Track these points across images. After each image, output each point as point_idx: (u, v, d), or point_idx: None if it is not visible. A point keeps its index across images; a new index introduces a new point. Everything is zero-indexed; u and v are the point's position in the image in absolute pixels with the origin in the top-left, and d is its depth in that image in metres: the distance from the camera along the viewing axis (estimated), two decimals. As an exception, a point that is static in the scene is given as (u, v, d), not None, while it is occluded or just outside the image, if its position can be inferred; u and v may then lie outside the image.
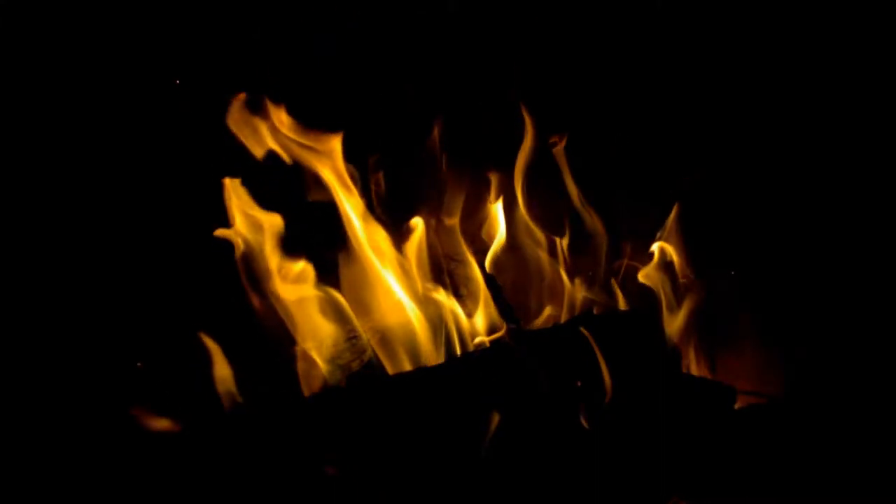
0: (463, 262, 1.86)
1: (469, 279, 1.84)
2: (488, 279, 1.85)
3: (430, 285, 1.78)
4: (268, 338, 1.74)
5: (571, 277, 1.93)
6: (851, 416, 1.67)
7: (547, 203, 1.99)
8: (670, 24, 1.99)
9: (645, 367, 1.65)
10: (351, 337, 1.72)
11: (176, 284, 1.80)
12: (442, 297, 1.76)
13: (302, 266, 1.69)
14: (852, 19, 1.90)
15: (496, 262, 1.93)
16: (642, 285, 1.91)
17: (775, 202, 1.95)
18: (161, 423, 1.55)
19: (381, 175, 1.89)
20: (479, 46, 2.00)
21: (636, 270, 1.94)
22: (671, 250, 1.94)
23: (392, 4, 1.96)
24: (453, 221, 1.93)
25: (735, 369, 1.92)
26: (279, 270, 1.68)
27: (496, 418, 1.50)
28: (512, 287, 1.96)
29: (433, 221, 1.91)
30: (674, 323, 1.87)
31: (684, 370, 1.88)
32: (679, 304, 1.89)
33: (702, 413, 1.63)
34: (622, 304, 1.91)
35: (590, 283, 1.93)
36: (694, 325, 1.89)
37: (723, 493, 1.54)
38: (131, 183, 1.81)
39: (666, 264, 1.93)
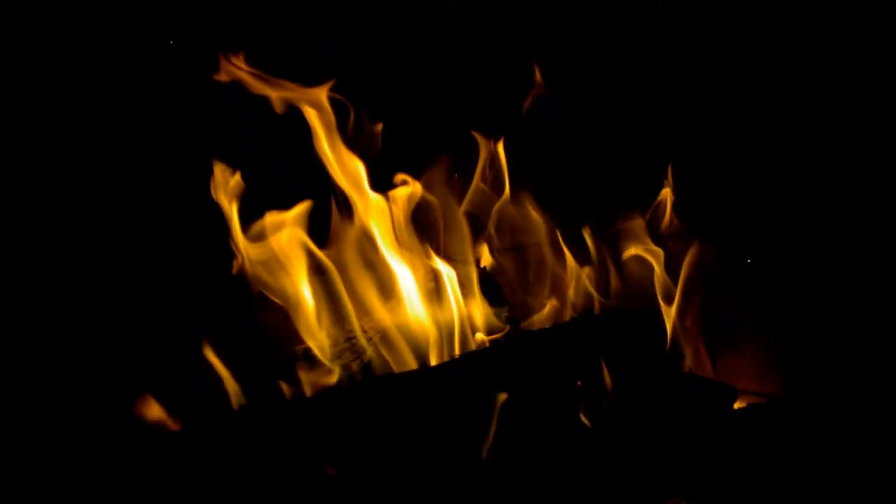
0: (463, 262, 1.85)
1: (469, 279, 1.84)
2: (487, 278, 1.85)
3: (422, 248, 1.76)
4: (268, 336, 1.74)
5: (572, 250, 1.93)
6: (851, 416, 1.67)
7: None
8: (671, 23, 1.99)
9: (645, 367, 1.65)
10: (350, 337, 1.72)
11: (174, 280, 1.81)
12: (437, 264, 1.76)
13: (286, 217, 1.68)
14: (841, 20, 1.89)
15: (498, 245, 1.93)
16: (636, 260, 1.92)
17: (775, 203, 1.95)
18: (156, 412, 1.55)
19: (378, 126, 1.86)
20: (479, 46, 2.00)
21: (628, 237, 1.94)
22: (668, 194, 1.93)
23: (392, 4, 1.96)
24: (438, 196, 1.90)
25: (735, 369, 1.92)
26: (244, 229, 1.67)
27: (496, 422, 1.50)
28: (512, 280, 1.97)
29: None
30: (671, 305, 1.87)
31: (685, 370, 1.88)
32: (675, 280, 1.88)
33: (702, 413, 1.63)
34: (616, 280, 1.90)
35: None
36: (692, 295, 1.88)
37: (723, 493, 1.54)
38: (127, 181, 1.81)
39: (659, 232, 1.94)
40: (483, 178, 1.97)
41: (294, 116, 1.75)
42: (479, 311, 1.80)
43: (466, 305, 1.79)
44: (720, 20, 1.95)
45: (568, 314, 1.91)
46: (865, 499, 1.52)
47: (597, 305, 1.91)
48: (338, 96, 1.74)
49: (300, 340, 1.70)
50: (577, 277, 1.92)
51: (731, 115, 1.97)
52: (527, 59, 2.00)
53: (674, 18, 1.97)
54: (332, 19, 1.93)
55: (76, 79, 1.80)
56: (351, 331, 1.71)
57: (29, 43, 1.78)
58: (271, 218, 1.68)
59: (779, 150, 1.94)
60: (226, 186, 1.68)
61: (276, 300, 1.69)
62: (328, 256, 1.71)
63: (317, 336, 1.69)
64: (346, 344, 1.71)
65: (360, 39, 1.94)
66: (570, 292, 1.92)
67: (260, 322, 1.75)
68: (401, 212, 1.76)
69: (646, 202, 1.98)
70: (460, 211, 1.92)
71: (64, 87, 1.79)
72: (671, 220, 1.94)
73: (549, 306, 1.93)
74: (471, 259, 1.87)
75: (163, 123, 1.83)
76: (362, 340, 1.71)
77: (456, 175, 1.95)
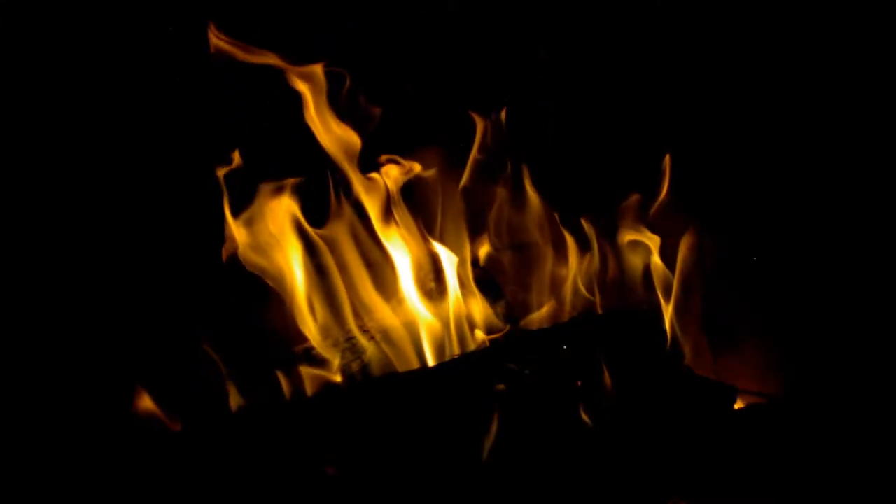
0: (462, 262, 1.85)
1: (468, 278, 1.84)
2: (486, 277, 1.85)
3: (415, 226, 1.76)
4: (268, 336, 1.74)
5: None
6: (851, 416, 1.67)
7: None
8: (672, 24, 1.99)
9: (645, 367, 1.65)
10: (350, 337, 1.72)
11: (175, 281, 1.81)
12: (436, 248, 1.75)
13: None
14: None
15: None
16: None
17: (775, 203, 1.95)
18: (154, 411, 1.55)
19: (378, 110, 1.86)
20: (479, 46, 2.00)
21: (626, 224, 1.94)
22: (667, 162, 1.93)
23: (392, 4, 1.96)
24: (430, 173, 1.89)
25: (735, 369, 1.92)
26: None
27: (496, 422, 1.50)
28: (511, 278, 1.97)
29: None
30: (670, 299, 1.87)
31: (684, 366, 1.88)
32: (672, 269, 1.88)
33: (702, 413, 1.63)
34: (614, 271, 1.90)
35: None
36: (690, 285, 1.87)
37: (723, 493, 1.54)
38: (125, 177, 1.82)
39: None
40: (481, 151, 1.96)
41: (292, 113, 1.75)
42: (478, 308, 1.80)
43: (465, 303, 1.79)
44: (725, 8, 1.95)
45: (567, 313, 1.91)
46: (865, 499, 1.52)
47: (597, 305, 1.91)
48: (334, 69, 1.75)
49: (301, 340, 1.70)
50: (576, 275, 1.92)
51: (732, 115, 1.97)
52: (526, 58, 2.01)
53: (675, 12, 1.97)
54: (332, 19, 1.93)
55: (71, 73, 1.80)
56: (350, 331, 1.72)
57: (28, 36, 1.79)
58: (265, 187, 1.68)
59: (778, 151, 1.95)
60: (224, 164, 1.69)
61: (270, 283, 1.69)
62: (323, 238, 1.71)
63: (311, 326, 1.69)
64: (346, 344, 1.71)
65: (360, 39, 1.94)
66: (569, 291, 1.92)
67: (260, 321, 1.75)
68: (395, 188, 1.76)
69: (646, 198, 1.98)
70: (458, 190, 1.91)
71: (59, 81, 1.80)
72: (667, 198, 1.93)
73: (548, 306, 1.93)
74: (468, 257, 1.87)
75: (159, 120, 1.83)
76: (362, 340, 1.71)
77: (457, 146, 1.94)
